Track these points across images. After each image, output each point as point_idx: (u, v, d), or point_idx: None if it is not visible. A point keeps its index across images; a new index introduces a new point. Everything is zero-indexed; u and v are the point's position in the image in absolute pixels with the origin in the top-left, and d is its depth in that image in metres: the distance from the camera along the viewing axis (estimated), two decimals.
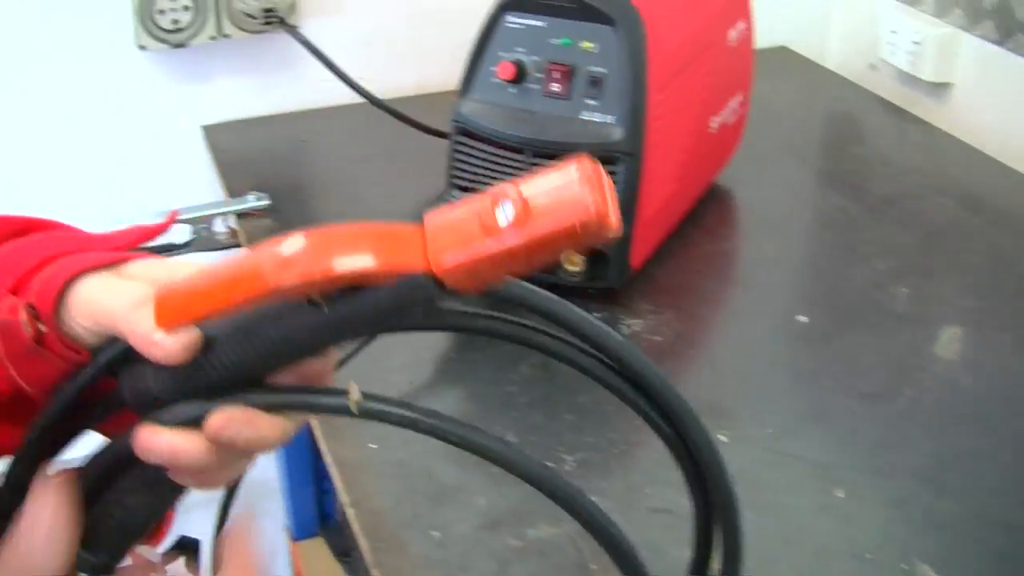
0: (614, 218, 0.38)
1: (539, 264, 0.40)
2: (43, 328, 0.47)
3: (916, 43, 1.49)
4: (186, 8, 1.35)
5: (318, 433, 0.92)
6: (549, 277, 1.09)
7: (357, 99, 1.44)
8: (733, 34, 1.25)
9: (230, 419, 0.43)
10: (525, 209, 0.37)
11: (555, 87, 1.06)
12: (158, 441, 0.44)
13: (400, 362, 1.00)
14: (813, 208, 1.34)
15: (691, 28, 1.16)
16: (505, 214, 0.38)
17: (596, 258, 1.07)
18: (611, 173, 1.03)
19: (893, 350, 1.05)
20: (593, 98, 1.05)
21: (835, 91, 1.62)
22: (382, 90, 1.45)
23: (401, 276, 0.40)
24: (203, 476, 0.47)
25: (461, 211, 0.40)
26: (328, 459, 0.89)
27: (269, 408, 0.44)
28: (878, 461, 0.90)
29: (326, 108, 1.53)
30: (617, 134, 1.04)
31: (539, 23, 1.07)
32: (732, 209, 1.31)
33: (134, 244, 0.52)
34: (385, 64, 1.55)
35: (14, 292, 0.49)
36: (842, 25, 1.73)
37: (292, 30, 1.41)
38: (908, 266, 1.18)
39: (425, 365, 1.01)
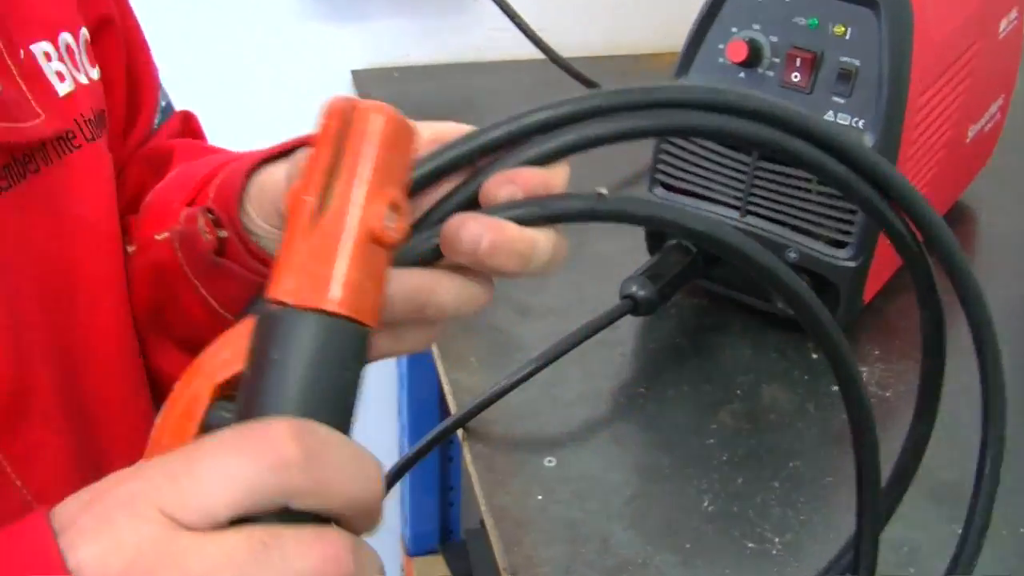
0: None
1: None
2: (223, 234, 0.48)
3: None
4: None
5: (474, 477, 0.77)
6: (764, 306, 0.92)
7: (535, 54, 1.27)
8: (1004, 24, 1.05)
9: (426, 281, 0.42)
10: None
11: (795, 77, 0.88)
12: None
13: (576, 393, 0.85)
14: None
15: (961, 17, 0.96)
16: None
17: (823, 288, 0.90)
18: None
19: None
20: (841, 95, 0.87)
21: None
22: (565, 46, 1.26)
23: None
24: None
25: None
26: (484, 508, 0.75)
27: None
28: None
29: (495, 62, 1.36)
30: (867, 142, 0.85)
31: None
32: (977, 234, 1.11)
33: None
34: (572, 16, 1.36)
35: (190, 204, 0.50)
36: None
37: None
38: None
39: (605, 399, 0.85)
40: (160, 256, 0.52)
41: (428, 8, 1.33)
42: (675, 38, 1.37)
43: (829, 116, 0.87)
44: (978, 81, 1.01)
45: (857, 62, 0.86)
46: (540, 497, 0.75)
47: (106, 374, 0.53)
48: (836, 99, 0.87)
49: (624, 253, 0.95)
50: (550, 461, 0.78)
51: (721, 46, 0.91)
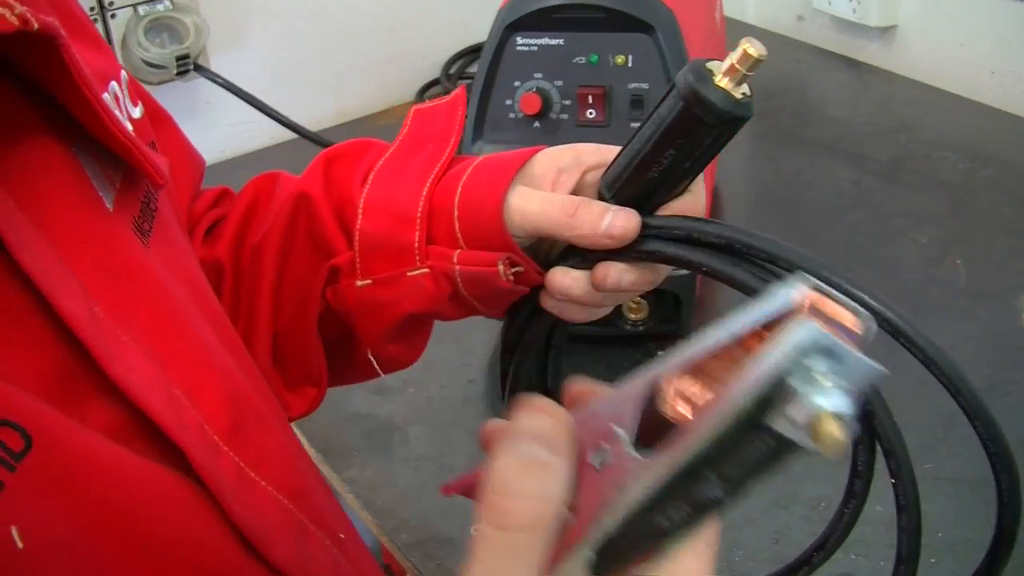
0: None
1: None
2: (517, 271, 0.53)
3: None
4: None
5: None
6: (607, 330, 0.96)
7: (276, 139, 1.30)
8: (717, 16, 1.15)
9: (610, 270, 0.52)
10: None
11: (591, 114, 0.92)
12: (560, 278, 0.53)
13: None
14: (818, 184, 1.24)
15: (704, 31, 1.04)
16: None
17: (661, 300, 0.95)
18: None
19: (976, 333, 0.97)
20: (638, 120, 0.91)
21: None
22: (303, 123, 1.28)
23: None
24: (586, 312, 0.55)
25: None
26: None
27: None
28: None
29: (243, 155, 1.34)
30: None
31: (555, 41, 0.93)
32: (729, 204, 1.21)
33: (454, 144, 0.58)
34: (300, 96, 1.36)
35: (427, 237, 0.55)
36: None
37: (208, 73, 1.21)
38: (948, 234, 1.11)
39: None
40: (418, 287, 0.55)
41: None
42: (398, 96, 1.40)
43: None
44: None
45: (646, 85, 0.91)
46: None
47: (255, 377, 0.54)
48: (634, 125, 0.91)
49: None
50: None
51: (509, 102, 0.93)
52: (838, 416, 0.28)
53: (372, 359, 0.61)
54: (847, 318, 0.30)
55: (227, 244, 0.62)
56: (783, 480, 0.81)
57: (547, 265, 0.54)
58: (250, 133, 1.26)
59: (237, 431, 0.45)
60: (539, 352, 0.60)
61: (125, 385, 0.40)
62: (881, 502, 0.50)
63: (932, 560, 0.75)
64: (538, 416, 0.35)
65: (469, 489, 0.40)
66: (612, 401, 0.35)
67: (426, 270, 0.55)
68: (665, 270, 0.54)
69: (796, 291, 0.30)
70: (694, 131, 0.47)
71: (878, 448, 0.46)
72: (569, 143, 0.56)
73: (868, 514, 0.51)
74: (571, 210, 0.51)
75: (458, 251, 0.54)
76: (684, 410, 0.33)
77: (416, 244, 0.55)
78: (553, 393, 0.59)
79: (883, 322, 0.44)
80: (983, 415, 0.44)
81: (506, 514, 0.32)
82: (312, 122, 1.31)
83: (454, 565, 0.80)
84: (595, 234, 0.51)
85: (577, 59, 0.92)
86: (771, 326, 0.31)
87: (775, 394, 0.29)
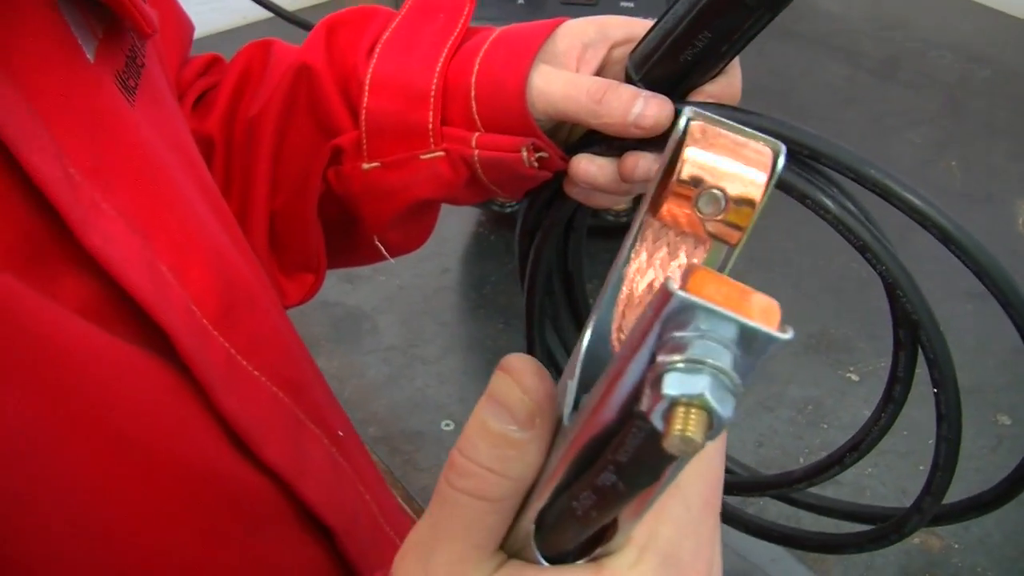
0: None
1: None
2: (541, 157, 0.49)
3: None
4: None
5: None
6: (592, 220, 0.92)
7: (248, 17, 1.23)
8: None
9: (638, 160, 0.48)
10: None
11: None
12: (585, 166, 0.49)
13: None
14: (810, 79, 1.19)
15: None
16: None
17: None
18: None
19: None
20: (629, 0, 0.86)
21: None
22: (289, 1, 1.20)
23: None
24: (611, 199, 0.51)
25: None
26: None
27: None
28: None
29: (208, 36, 1.27)
30: None
31: None
32: None
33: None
34: None
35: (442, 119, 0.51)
36: None
37: None
38: (943, 135, 1.07)
39: None
40: (433, 171, 0.52)
41: None
42: None
43: None
44: None
45: None
46: None
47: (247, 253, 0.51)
48: (624, 4, 0.87)
49: None
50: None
51: None
52: (699, 408, 0.22)
53: (379, 244, 0.57)
54: (752, 150, 0.25)
55: (218, 117, 0.58)
56: (767, 381, 0.79)
57: (568, 149, 0.51)
58: (215, 13, 1.18)
59: (228, 314, 0.41)
60: (559, 236, 0.57)
61: (102, 257, 0.36)
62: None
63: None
64: (513, 387, 0.31)
65: None
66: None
67: (441, 153, 0.51)
68: None
69: (683, 121, 0.25)
70: (733, 12, 0.43)
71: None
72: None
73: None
74: (598, 95, 0.48)
75: (477, 134, 0.50)
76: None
77: (430, 125, 0.51)
78: (573, 276, 0.58)
79: (900, 203, 0.41)
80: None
81: (459, 476, 0.30)
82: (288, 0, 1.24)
83: (421, 460, 0.78)
84: (623, 122, 0.47)
85: None
86: (671, 168, 0.26)
87: (642, 373, 0.24)
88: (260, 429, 0.41)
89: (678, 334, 0.23)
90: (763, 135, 0.25)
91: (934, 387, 0.45)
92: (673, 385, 0.22)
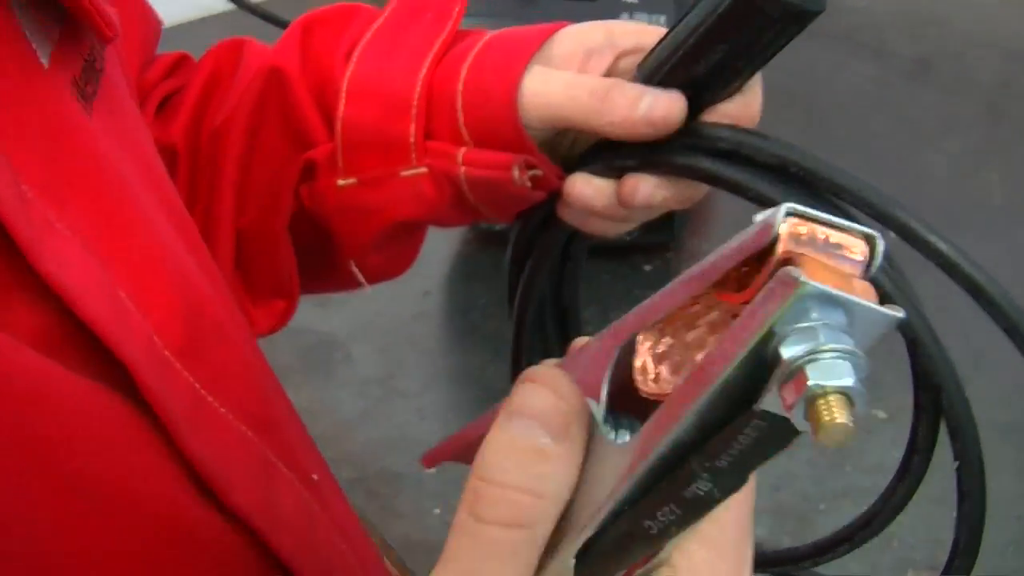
0: None
1: None
2: (535, 175, 0.48)
3: None
4: None
5: None
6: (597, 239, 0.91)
7: (208, 9, 1.22)
8: None
9: (639, 183, 0.47)
10: None
11: None
12: (581, 187, 0.48)
13: None
14: (835, 81, 1.16)
15: None
16: None
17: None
18: None
19: (1012, 256, 0.89)
20: None
21: None
22: None
23: None
24: (609, 225, 0.50)
25: None
26: None
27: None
28: None
29: (171, 28, 1.25)
30: None
31: None
32: None
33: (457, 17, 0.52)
34: None
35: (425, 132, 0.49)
36: None
37: None
38: (983, 144, 1.03)
39: None
40: (415, 190, 0.50)
41: None
42: None
43: (624, 18, 0.84)
44: None
45: None
46: None
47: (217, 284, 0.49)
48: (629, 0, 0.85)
49: None
50: None
51: None
52: (840, 394, 0.24)
53: (355, 270, 0.56)
54: (850, 244, 0.26)
55: (183, 124, 0.56)
56: None
57: (567, 166, 0.49)
58: (173, 3, 1.15)
59: (193, 345, 0.40)
60: (553, 265, 0.55)
61: (57, 284, 0.35)
62: None
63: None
64: (541, 392, 0.31)
65: (459, 452, 0.37)
66: (582, 364, 0.31)
67: (424, 170, 0.50)
68: (705, 186, 0.48)
69: (779, 220, 0.26)
70: (753, 25, 0.42)
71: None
72: (553, 17, 0.50)
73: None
74: (602, 93, 0.46)
75: (463, 149, 0.49)
76: (656, 384, 0.31)
77: (412, 138, 0.50)
78: (568, 313, 0.57)
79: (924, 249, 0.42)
80: None
81: (488, 505, 0.30)
82: None
83: (401, 505, 0.77)
84: (631, 119, 0.45)
85: None
86: (752, 266, 0.27)
87: (762, 367, 0.25)
88: (227, 472, 0.40)
89: (800, 325, 0.24)
90: (859, 227, 0.25)
91: (955, 459, 0.44)
92: (819, 376, 0.23)
